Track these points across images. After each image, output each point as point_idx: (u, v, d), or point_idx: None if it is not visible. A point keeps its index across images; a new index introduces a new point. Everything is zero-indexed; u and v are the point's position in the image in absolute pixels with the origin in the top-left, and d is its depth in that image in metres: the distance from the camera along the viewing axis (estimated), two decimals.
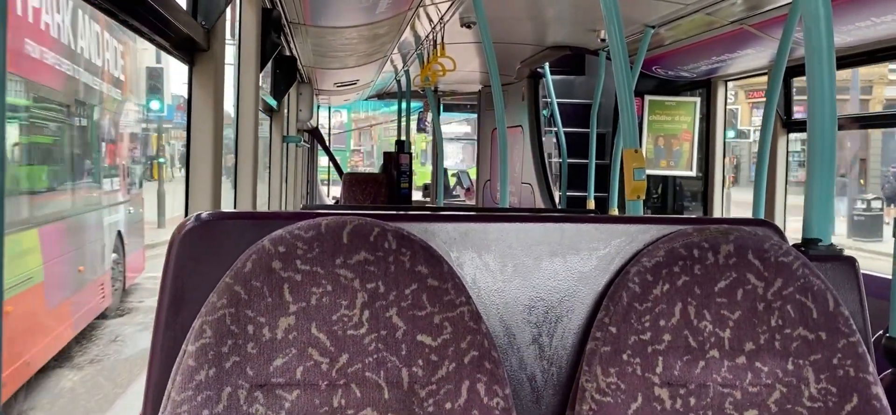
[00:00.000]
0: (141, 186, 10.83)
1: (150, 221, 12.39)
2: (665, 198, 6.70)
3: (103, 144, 8.41)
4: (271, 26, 3.41)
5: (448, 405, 1.14)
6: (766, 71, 4.63)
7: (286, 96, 5.92)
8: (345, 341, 1.15)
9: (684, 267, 1.25)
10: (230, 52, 2.69)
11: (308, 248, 1.16)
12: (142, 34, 1.91)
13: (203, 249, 1.23)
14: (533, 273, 1.32)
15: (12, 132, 5.87)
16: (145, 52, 11.77)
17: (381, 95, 11.88)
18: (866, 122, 6.82)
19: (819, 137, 1.56)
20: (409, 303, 1.16)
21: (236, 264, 1.15)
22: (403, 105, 9.22)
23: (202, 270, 1.21)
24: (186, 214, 2.08)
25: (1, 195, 0.60)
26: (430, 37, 5.81)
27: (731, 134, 17.12)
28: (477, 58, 6.65)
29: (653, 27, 4.60)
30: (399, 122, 9.68)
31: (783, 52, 3.59)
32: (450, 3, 4.74)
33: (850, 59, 3.90)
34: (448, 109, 12.17)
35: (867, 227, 15.33)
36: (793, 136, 4.63)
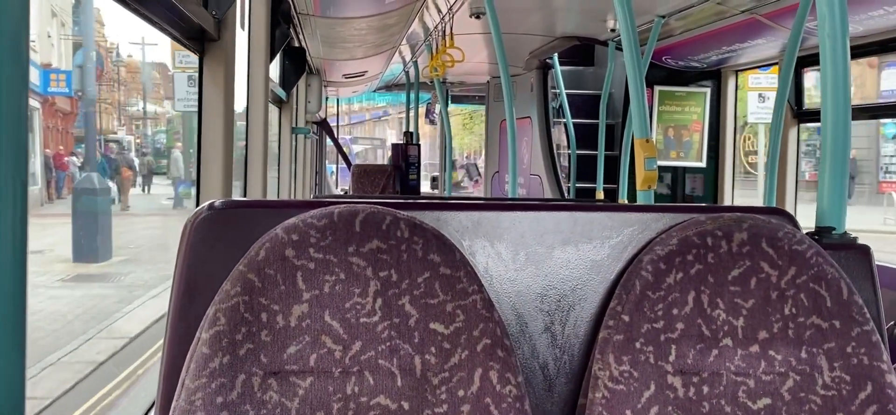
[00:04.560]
0: None
1: None
2: (675, 190, 6.68)
3: None
4: (281, 17, 3.41)
5: (461, 393, 1.15)
6: (776, 61, 4.60)
7: (295, 88, 5.93)
8: (358, 329, 1.15)
9: (697, 255, 1.25)
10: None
11: (321, 236, 1.16)
12: (153, 23, 1.91)
13: (216, 237, 1.23)
14: (545, 262, 1.32)
15: None
16: None
17: (390, 87, 11.87)
18: (879, 112, 6.77)
19: (833, 126, 1.55)
20: (422, 291, 1.17)
21: (249, 253, 1.16)
22: (412, 97, 9.21)
23: (215, 258, 1.21)
24: (198, 204, 2.08)
25: (24, 202, 0.62)
26: (439, 28, 5.80)
27: None
28: (485, 49, 6.64)
29: (663, 17, 4.58)
30: (407, 113, 9.68)
31: (794, 42, 3.56)
32: None
33: (863, 48, 3.87)
34: (456, 100, 12.16)
35: None
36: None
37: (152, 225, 16.62)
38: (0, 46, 0.58)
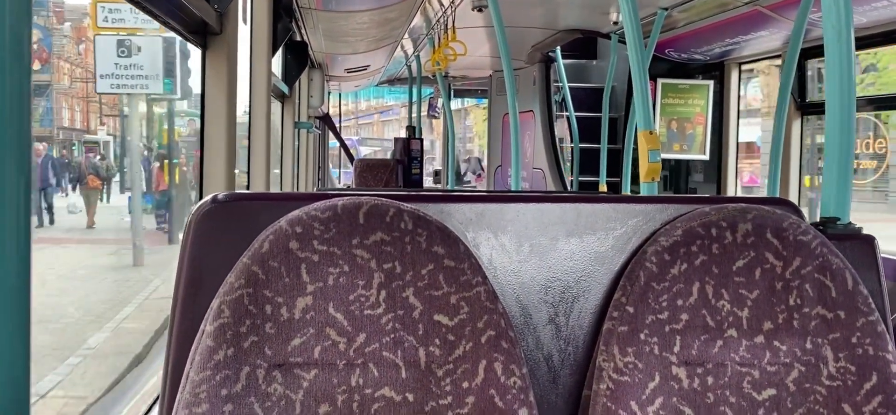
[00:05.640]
0: None
1: None
2: (677, 182, 6.68)
3: None
4: (283, 11, 3.41)
5: (465, 384, 1.15)
6: (779, 53, 4.59)
7: (297, 82, 5.93)
8: (362, 321, 1.15)
9: (702, 246, 1.25)
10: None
11: (325, 228, 1.16)
12: (156, 17, 1.91)
13: (220, 229, 1.23)
14: (549, 253, 1.32)
15: None
16: None
17: (392, 81, 11.87)
18: (884, 103, 6.72)
19: (837, 117, 1.55)
20: (426, 283, 1.16)
21: (253, 245, 1.16)
22: (414, 91, 9.21)
23: (219, 251, 1.21)
24: (201, 197, 2.08)
25: (27, 199, 0.63)
26: (441, 21, 5.80)
27: None
28: (488, 42, 6.63)
29: (666, 9, 4.57)
30: (410, 108, 9.69)
31: (798, 34, 3.55)
32: None
33: (868, 39, 3.86)
34: (459, 94, 12.16)
35: None
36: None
37: (59, 266, 10.08)
38: (1, 43, 0.59)
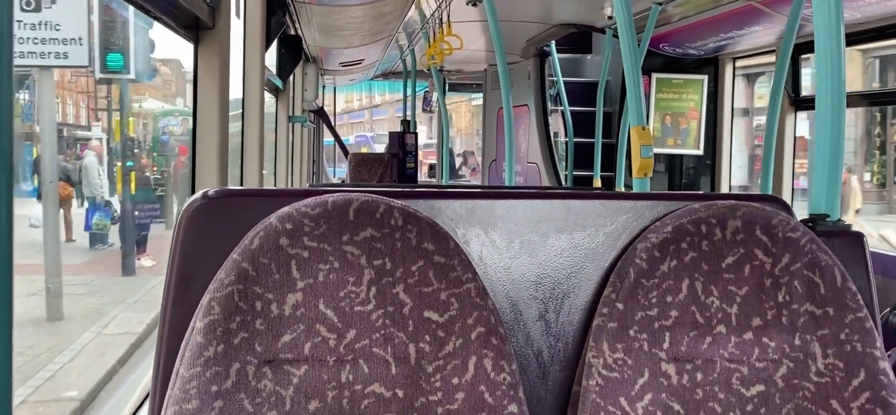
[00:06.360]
0: None
1: None
2: (672, 178, 6.68)
3: None
4: (276, 4, 3.40)
5: (455, 380, 1.15)
6: (774, 48, 4.59)
7: (291, 76, 5.91)
8: (352, 317, 1.15)
9: (692, 243, 1.25)
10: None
11: (315, 225, 1.16)
12: (147, 12, 1.91)
13: (210, 225, 1.23)
14: (539, 249, 1.32)
15: None
16: None
17: (387, 75, 11.85)
18: (875, 98, 6.75)
19: (827, 113, 1.55)
20: (416, 279, 1.17)
21: (244, 241, 1.16)
22: (408, 85, 9.20)
23: (210, 247, 1.21)
24: (193, 192, 2.08)
25: (9, 197, 0.62)
26: (436, 15, 5.79)
27: None
28: (483, 36, 6.62)
29: (660, 4, 4.56)
30: (405, 102, 9.67)
31: (791, 29, 3.56)
32: None
33: (860, 35, 3.86)
34: (453, 88, 12.14)
35: None
36: None
37: None
38: None
